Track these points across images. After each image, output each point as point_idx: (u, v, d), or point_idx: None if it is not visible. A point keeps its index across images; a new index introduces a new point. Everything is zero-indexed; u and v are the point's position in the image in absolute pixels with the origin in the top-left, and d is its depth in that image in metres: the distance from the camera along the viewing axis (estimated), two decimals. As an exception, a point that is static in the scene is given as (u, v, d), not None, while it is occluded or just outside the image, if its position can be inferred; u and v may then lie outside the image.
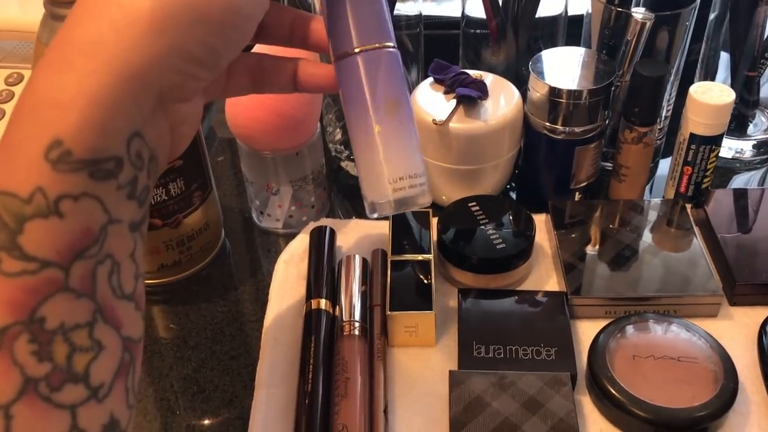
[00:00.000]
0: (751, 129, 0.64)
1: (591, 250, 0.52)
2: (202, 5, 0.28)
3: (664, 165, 0.63)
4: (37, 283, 0.25)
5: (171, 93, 0.29)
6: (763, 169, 0.64)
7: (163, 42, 0.28)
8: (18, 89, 0.67)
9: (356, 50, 0.34)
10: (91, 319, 0.26)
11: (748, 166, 0.64)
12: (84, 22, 0.27)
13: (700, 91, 0.53)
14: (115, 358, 0.27)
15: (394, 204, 0.34)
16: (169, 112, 0.30)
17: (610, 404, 0.42)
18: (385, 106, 0.34)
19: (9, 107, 0.66)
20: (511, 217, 0.52)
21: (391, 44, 0.34)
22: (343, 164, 0.64)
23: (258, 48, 0.41)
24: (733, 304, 0.49)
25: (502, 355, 0.45)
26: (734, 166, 0.64)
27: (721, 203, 0.55)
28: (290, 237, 0.56)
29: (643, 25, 0.54)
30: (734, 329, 0.48)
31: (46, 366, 0.25)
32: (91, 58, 0.27)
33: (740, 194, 0.56)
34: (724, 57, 0.62)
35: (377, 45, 0.34)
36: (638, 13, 0.54)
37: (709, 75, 0.63)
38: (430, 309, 0.46)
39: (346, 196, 0.63)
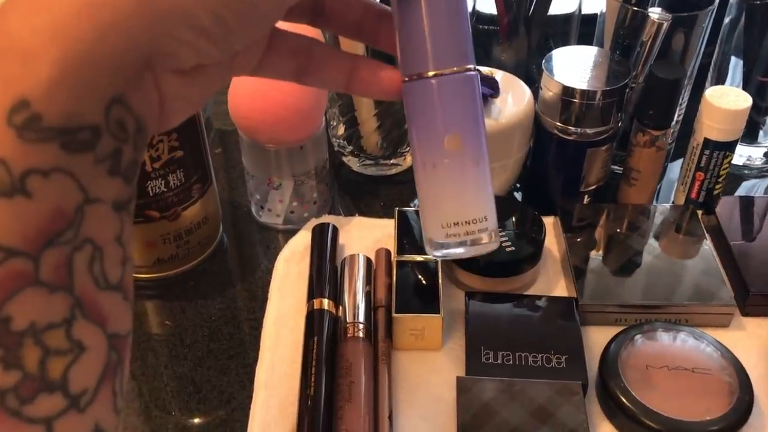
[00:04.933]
0: (761, 136, 0.63)
1: (600, 255, 0.51)
2: None
3: (673, 170, 0.62)
4: (2, 276, 0.21)
5: (164, 60, 0.25)
6: (773, 177, 0.63)
7: None
8: None
9: (430, 74, 0.29)
10: (68, 316, 0.22)
11: (757, 173, 0.63)
12: None
13: (715, 95, 0.52)
14: (100, 360, 0.24)
15: (447, 250, 0.31)
16: (162, 82, 0.26)
17: (623, 415, 0.41)
18: (450, 140, 0.30)
19: None
20: (520, 220, 0.50)
21: (471, 66, 0.30)
22: (346, 159, 0.63)
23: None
24: (745, 314, 0.48)
25: (511, 362, 0.43)
26: (743, 173, 0.63)
27: (733, 210, 0.54)
28: (290, 233, 0.55)
29: (660, 25, 0.52)
30: (746, 340, 0.47)
31: (14, 375, 0.21)
32: None
33: (753, 202, 0.55)
34: (733, 61, 0.61)
35: (455, 69, 0.29)
36: (655, 13, 0.53)
37: (721, 79, 0.62)
38: (438, 312, 0.45)
39: (348, 193, 0.62)
